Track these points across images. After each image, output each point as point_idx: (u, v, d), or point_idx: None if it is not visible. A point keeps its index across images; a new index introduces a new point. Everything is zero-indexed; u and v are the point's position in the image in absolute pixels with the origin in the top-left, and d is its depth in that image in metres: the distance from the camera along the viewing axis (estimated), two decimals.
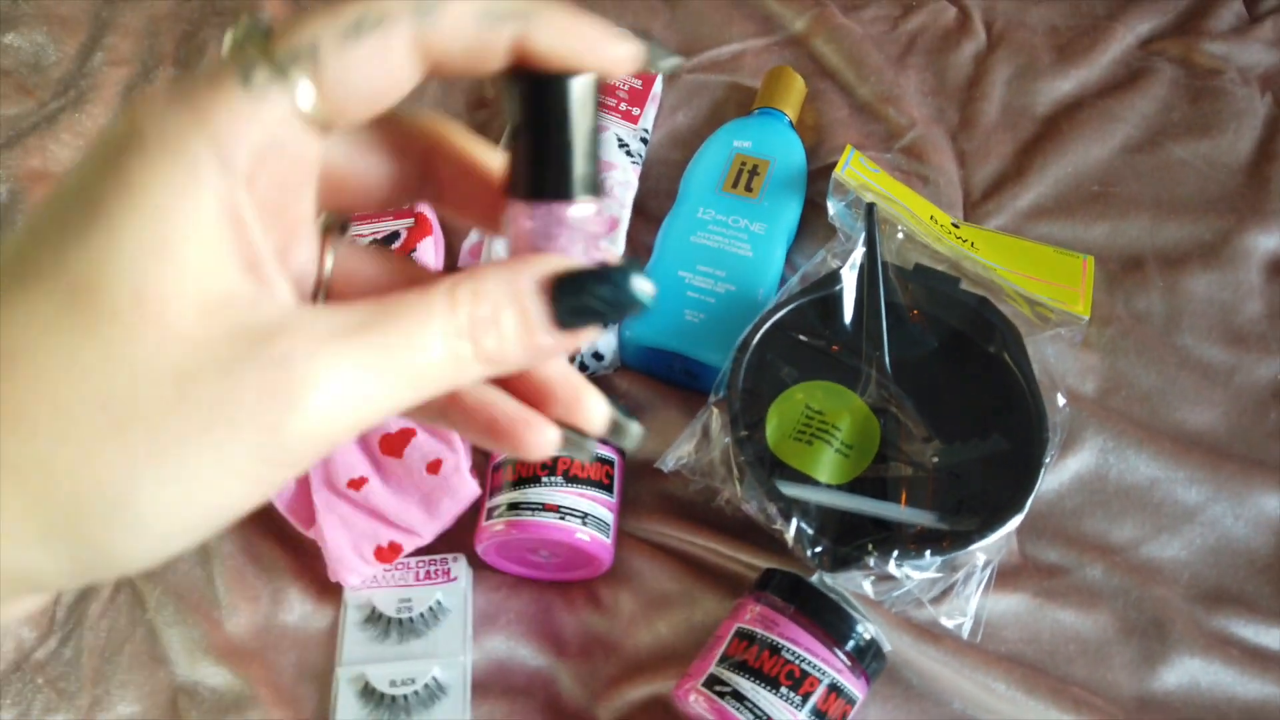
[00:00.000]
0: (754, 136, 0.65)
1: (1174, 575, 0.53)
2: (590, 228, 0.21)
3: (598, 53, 0.20)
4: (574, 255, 0.21)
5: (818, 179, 0.65)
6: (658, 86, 0.70)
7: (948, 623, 0.48)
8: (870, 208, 0.56)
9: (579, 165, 0.21)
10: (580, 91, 0.20)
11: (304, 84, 0.18)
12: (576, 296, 0.20)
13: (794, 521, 0.47)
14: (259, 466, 0.18)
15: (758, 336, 0.53)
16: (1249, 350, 0.60)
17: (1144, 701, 0.49)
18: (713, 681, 0.45)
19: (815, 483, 0.49)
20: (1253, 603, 0.52)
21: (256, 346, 0.17)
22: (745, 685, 0.44)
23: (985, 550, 0.48)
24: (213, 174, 0.18)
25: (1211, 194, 0.66)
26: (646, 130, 0.68)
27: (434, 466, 0.52)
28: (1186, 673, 0.50)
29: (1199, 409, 0.58)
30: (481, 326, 0.20)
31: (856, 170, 0.62)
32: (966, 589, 0.48)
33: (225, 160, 0.18)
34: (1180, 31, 0.74)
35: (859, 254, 0.55)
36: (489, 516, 0.51)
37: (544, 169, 0.21)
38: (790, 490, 0.49)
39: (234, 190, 0.18)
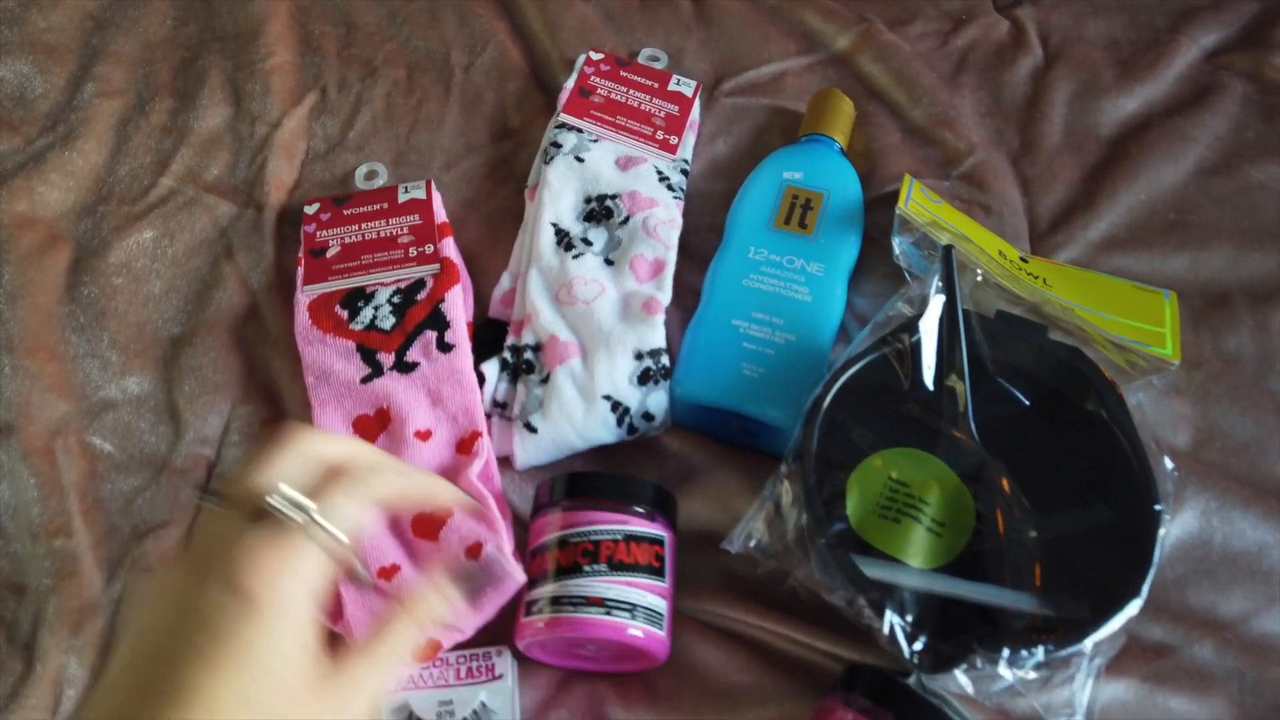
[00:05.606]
0: (805, 167, 0.60)
1: None
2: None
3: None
4: None
5: (872, 210, 0.60)
6: (695, 113, 0.65)
7: None
8: (949, 250, 0.51)
9: None
10: None
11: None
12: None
13: (888, 615, 0.42)
14: None
15: (829, 397, 0.48)
16: None
17: None
18: None
19: (905, 566, 0.44)
20: None
21: (332, 694, 0.32)
22: None
23: (1096, 640, 0.43)
24: (310, 609, 0.32)
25: None
26: (686, 160, 0.63)
27: (474, 550, 0.46)
28: None
29: None
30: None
31: (920, 204, 0.57)
32: (1074, 682, 0.43)
33: (316, 596, 0.32)
34: (1247, 44, 0.70)
35: (937, 302, 0.50)
36: (529, 612, 0.46)
37: None
38: (878, 573, 0.44)
39: (316, 609, 0.32)
